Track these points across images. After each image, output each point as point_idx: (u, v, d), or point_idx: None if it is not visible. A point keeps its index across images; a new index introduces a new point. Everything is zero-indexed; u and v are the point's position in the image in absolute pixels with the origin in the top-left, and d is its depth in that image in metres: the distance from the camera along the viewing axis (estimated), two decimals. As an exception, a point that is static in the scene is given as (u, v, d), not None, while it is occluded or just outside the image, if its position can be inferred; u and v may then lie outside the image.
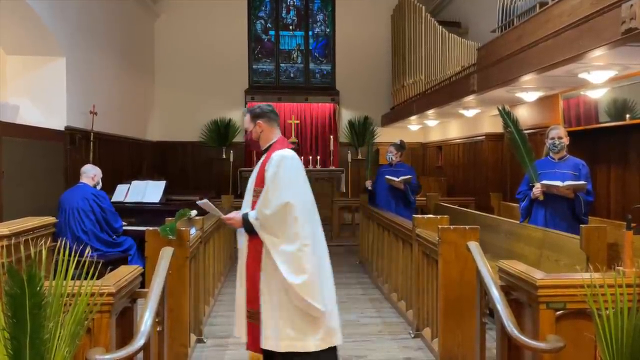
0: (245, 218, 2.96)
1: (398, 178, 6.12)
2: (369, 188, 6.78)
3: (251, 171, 3.20)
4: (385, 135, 11.27)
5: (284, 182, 2.88)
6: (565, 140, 4.36)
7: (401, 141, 6.60)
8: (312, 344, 2.83)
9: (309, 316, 2.83)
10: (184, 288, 3.72)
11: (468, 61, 7.12)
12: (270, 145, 3.10)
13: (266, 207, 2.87)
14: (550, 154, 4.42)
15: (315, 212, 3.05)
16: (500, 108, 4.67)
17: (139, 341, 2.19)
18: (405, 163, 6.48)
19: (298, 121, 12.00)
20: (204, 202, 3.18)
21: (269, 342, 2.86)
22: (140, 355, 2.51)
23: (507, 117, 4.55)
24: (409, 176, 6.09)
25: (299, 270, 2.79)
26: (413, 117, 9.68)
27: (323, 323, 2.87)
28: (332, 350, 2.97)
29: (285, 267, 2.80)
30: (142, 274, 2.86)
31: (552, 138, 4.35)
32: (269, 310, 2.85)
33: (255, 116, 3.13)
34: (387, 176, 6.40)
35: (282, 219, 2.83)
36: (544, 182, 4.22)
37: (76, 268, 2.13)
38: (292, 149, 3.11)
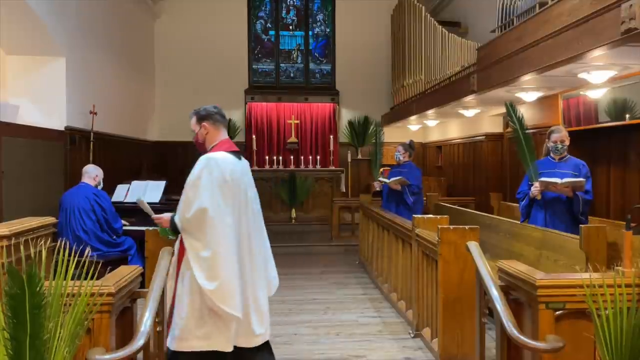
0: (172, 219, 2.96)
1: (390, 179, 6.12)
2: (378, 189, 6.71)
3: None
4: (385, 135, 11.24)
5: (203, 185, 2.85)
6: (567, 142, 4.37)
7: (411, 141, 6.54)
8: (197, 344, 2.82)
9: (220, 320, 2.82)
10: (183, 288, 3.71)
11: (468, 61, 7.12)
12: (212, 147, 3.08)
13: (186, 210, 2.86)
14: (551, 154, 4.43)
15: (246, 215, 3.01)
16: (508, 104, 4.67)
17: (139, 341, 2.19)
18: (413, 163, 6.41)
19: (298, 121, 12.01)
20: (138, 200, 3.24)
21: (173, 342, 2.85)
22: (141, 355, 2.52)
23: (513, 113, 4.55)
24: (399, 177, 6.06)
25: (213, 277, 2.77)
26: (413, 117, 9.68)
27: (231, 327, 2.86)
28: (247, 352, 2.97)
29: (199, 272, 2.79)
30: (142, 274, 2.87)
31: (555, 142, 4.35)
32: (180, 309, 2.84)
33: (200, 118, 3.12)
34: (380, 178, 6.41)
35: (200, 223, 2.81)
36: (543, 179, 4.23)
37: (76, 268, 2.14)
38: (235, 152, 3.07)
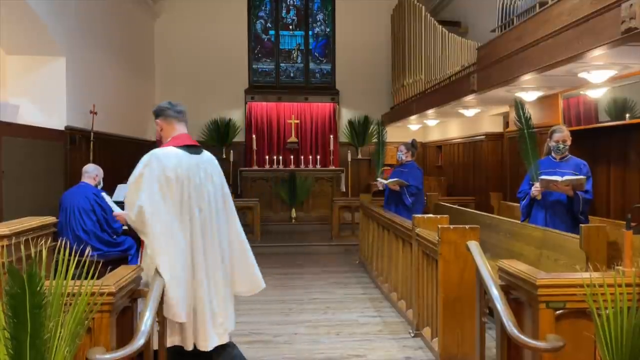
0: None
1: (396, 179, 6.11)
2: (381, 189, 6.69)
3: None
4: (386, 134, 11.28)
5: (144, 183, 2.81)
6: (569, 142, 4.36)
7: (413, 140, 6.50)
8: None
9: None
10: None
11: (468, 61, 7.12)
12: (166, 143, 3.05)
13: (131, 210, 2.83)
14: (552, 154, 4.43)
15: (201, 212, 2.95)
16: (517, 101, 4.67)
17: (139, 341, 2.19)
18: (415, 163, 6.38)
19: (298, 121, 12.01)
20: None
21: None
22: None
23: (521, 111, 4.55)
24: (396, 179, 6.06)
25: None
26: (413, 117, 9.68)
27: (187, 326, 2.89)
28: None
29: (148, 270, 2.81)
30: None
31: (557, 141, 4.35)
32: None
33: (155, 115, 3.11)
34: (378, 179, 6.41)
35: (142, 222, 2.80)
36: (543, 176, 4.23)
37: (76, 268, 2.14)
38: (189, 146, 3.01)
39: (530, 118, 4.57)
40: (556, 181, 4.13)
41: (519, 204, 4.80)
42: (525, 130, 4.49)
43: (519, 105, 4.59)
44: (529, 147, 4.44)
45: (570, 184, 4.10)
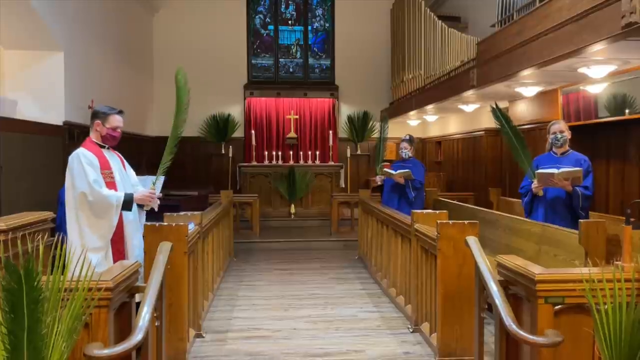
0: None
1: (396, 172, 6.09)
2: (379, 183, 6.66)
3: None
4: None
5: None
6: (567, 134, 4.35)
7: (411, 136, 6.48)
8: None
9: None
10: (182, 283, 3.72)
11: (467, 56, 7.10)
12: None
13: None
14: (553, 149, 4.41)
15: None
16: (493, 106, 4.64)
17: (137, 336, 2.18)
18: (416, 159, 6.34)
19: (297, 116, 11.99)
20: None
21: None
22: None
23: (500, 114, 4.53)
24: (406, 170, 6.02)
25: None
26: (412, 112, 9.66)
27: None
28: None
29: None
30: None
31: (554, 132, 4.34)
32: None
33: None
34: (385, 169, 6.36)
35: None
36: (540, 170, 4.21)
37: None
38: None
39: (509, 118, 4.55)
40: (553, 174, 4.10)
41: (518, 200, 4.80)
42: (511, 132, 4.45)
43: (497, 111, 4.55)
44: (519, 148, 4.42)
45: (568, 177, 4.08)
